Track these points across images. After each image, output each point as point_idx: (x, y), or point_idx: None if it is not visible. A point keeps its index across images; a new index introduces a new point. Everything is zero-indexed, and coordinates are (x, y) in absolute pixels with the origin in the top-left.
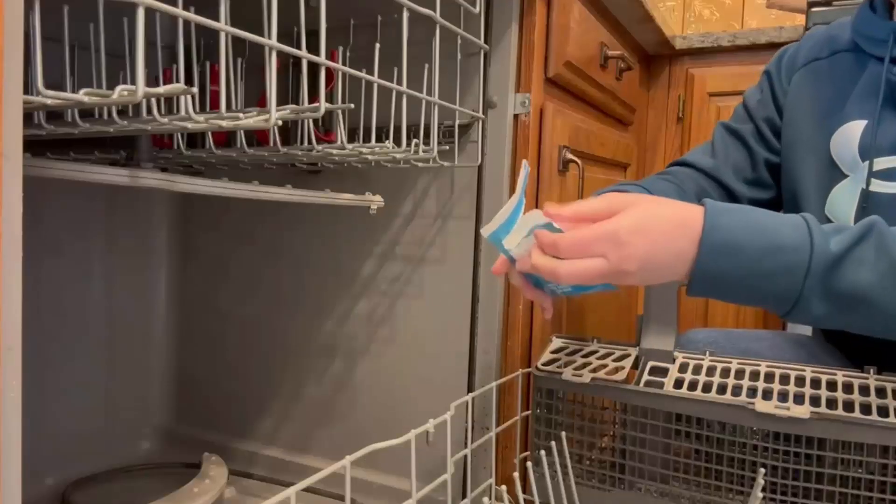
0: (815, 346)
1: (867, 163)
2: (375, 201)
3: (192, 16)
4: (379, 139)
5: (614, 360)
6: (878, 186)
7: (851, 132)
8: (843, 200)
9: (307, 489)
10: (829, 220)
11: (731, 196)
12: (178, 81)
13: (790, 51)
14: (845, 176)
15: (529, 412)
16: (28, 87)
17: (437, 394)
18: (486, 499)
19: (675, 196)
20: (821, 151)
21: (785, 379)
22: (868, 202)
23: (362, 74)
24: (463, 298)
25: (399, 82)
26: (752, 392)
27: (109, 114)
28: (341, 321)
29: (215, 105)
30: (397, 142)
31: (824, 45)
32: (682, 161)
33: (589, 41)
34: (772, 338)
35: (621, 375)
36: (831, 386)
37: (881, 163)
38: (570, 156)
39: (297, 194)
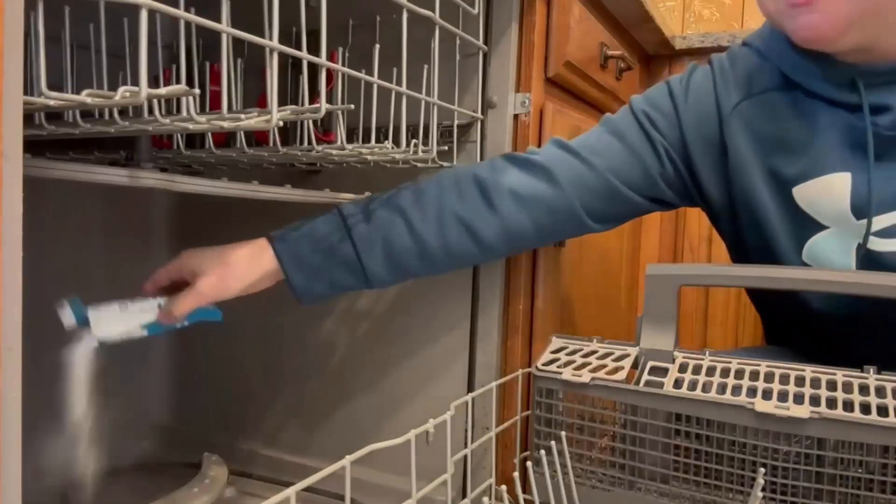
0: (776, 352)
1: (864, 221)
2: None
3: (193, 17)
4: (378, 139)
5: (614, 360)
6: (879, 245)
7: (833, 186)
8: (831, 254)
9: (307, 489)
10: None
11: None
12: (178, 81)
13: (700, 86)
14: (823, 227)
15: (529, 412)
16: (29, 88)
17: (437, 394)
18: (486, 499)
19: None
20: (783, 201)
21: (785, 379)
22: (868, 261)
23: (362, 75)
24: (463, 298)
25: (398, 83)
26: (752, 392)
27: (111, 114)
28: (341, 320)
29: (215, 105)
30: (396, 142)
31: (750, 80)
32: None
33: (589, 41)
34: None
35: (621, 375)
36: (831, 385)
37: (882, 221)
38: None
39: (297, 194)
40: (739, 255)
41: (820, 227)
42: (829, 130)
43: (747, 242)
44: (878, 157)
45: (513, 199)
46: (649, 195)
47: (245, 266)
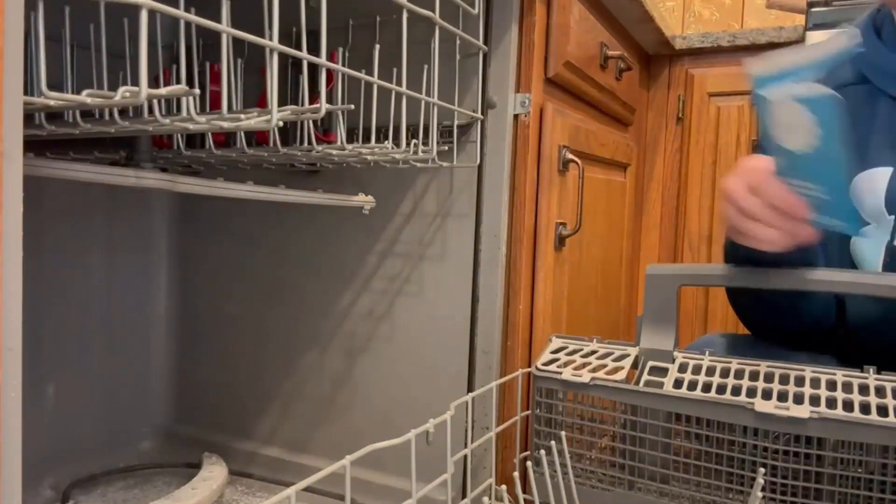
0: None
1: (893, 217)
2: (367, 202)
3: (193, 17)
4: (378, 139)
5: (614, 360)
6: None
7: (876, 180)
8: (866, 249)
9: (307, 489)
10: (852, 262)
11: None
12: (178, 81)
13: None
14: (867, 222)
15: (529, 412)
16: (29, 88)
17: (437, 393)
18: (486, 499)
19: None
20: None
21: (784, 379)
22: (893, 259)
23: (362, 75)
24: (463, 298)
25: (398, 83)
26: (752, 392)
27: (111, 114)
28: (341, 320)
29: (215, 105)
30: (396, 142)
31: (836, 74)
32: None
33: (589, 41)
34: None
35: (621, 375)
36: (831, 385)
37: None
38: (569, 156)
39: (291, 195)
40: None
41: (864, 222)
42: (885, 125)
43: None
44: None
45: None
46: None
47: None
